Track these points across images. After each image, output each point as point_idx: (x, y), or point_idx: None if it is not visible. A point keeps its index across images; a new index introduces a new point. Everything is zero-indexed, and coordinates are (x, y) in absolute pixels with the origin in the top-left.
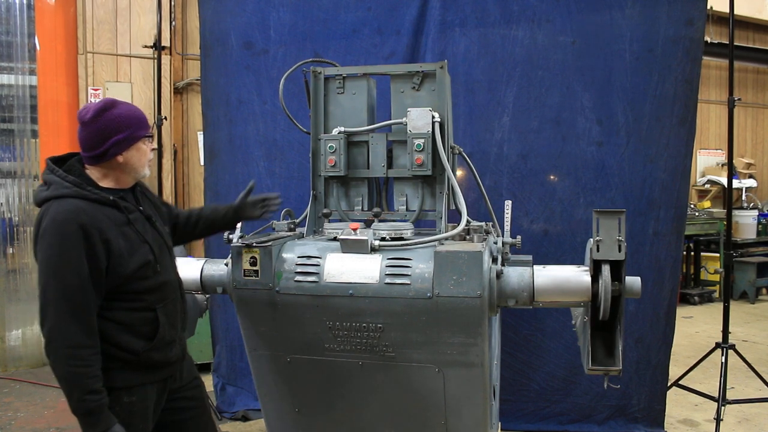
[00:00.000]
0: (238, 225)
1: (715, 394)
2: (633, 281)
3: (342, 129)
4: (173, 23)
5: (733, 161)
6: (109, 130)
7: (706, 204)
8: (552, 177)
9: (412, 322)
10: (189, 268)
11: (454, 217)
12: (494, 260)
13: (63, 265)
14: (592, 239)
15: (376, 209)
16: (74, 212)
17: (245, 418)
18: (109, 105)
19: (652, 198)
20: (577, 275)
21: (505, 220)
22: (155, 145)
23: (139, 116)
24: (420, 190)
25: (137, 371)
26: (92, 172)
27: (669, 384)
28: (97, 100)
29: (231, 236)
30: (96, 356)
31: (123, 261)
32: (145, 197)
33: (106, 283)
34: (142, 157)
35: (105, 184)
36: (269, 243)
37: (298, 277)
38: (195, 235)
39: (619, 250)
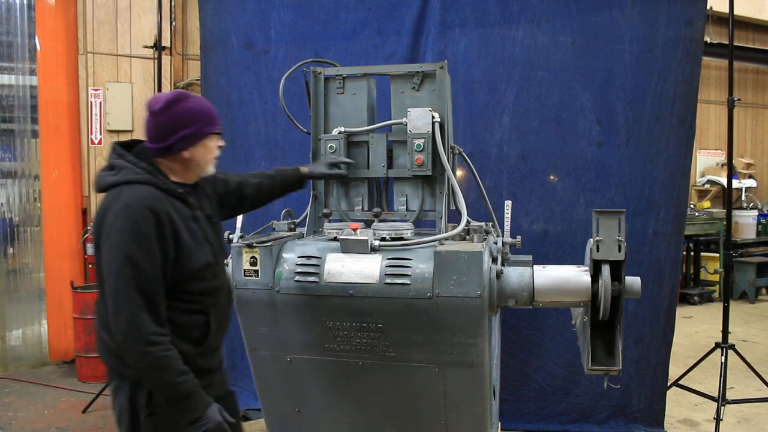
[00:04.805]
0: (238, 225)
1: (715, 394)
2: (633, 281)
3: (342, 129)
4: (173, 23)
5: (733, 161)
6: (177, 123)
7: (706, 204)
8: (552, 177)
9: (412, 322)
10: None
11: (454, 217)
12: (494, 260)
13: (138, 253)
14: (592, 239)
15: (376, 209)
16: (148, 198)
17: (245, 418)
18: (179, 97)
19: (652, 198)
20: (576, 275)
21: (505, 220)
22: (222, 143)
23: (210, 111)
24: (420, 190)
25: None
26: (159, 164)
27: (669, 384)
28: (168, 91)
29: (231, 236)
30: (170, 343)
31: (190, 256)
32: (205, 195)
33: (171, 277)
34: (207, 155)
35: (171, 177)
36: (269, 243)
37: (298, 277)
38: (262, 203)
39: (619, 250)
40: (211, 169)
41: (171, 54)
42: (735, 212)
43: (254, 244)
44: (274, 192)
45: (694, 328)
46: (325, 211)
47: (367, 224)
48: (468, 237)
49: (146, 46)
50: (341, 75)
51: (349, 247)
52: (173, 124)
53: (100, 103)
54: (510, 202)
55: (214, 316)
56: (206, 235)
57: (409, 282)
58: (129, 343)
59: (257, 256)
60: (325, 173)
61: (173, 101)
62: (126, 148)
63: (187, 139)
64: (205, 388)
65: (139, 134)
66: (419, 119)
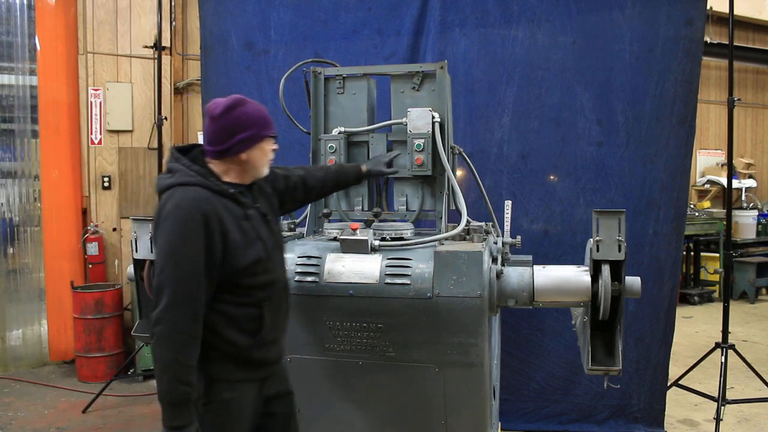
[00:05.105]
0: None
1: (715, 394)
2: (633, 281)
3: (342, 129)
4: (173, 23)
5: (733, 161)
6: (236, 127)
7: (706, 204)
8: (552, 177)
9: (412, 322)
10: None
11: (454, 217)
12: (494, 260)
13: (182, 251)
14: (592, 239)
15: (376, 209)
16: (198, 200)
17: None
18: (238, 102)
19: (652, 198)
20: (576, 275)
21: (505, 220)
22: (276, 146)
23: (265, 116)
24: (420, 190)
25: (237, 366)
26: (215, 166)
27: (669, 384)
28: (227, 97)
29: None
30: (196, 348)
31: (238, 254)
32: (262, 193)
33: (220, 275)
34: (263, 157)
35: (226, 178)
36: None
37: (298, 277)
38: (322, 196)
39: (619, 250)
40: (265, 171)
41: (171, 54)
42: (735, 212)
43: None
44: (337, 186)
45: (694, 328)
46: (325, 211)
47: (367, 224)
48: (468, 237)
49: (146, 46)
50: (341, 75)
51: (349, 247)
52: (232, 128)
53: (100, 103)
54: (510, 202)
55: (268, 309)
56: (258, 233)
57: (409, 282)
58: (157, 333)
59: None
60: (384, 171)
61: (232, 106)
62: (183, 152)
63: (244, 142)
64: (261, 381)
65: (139, 134)
66: (419, 119)
